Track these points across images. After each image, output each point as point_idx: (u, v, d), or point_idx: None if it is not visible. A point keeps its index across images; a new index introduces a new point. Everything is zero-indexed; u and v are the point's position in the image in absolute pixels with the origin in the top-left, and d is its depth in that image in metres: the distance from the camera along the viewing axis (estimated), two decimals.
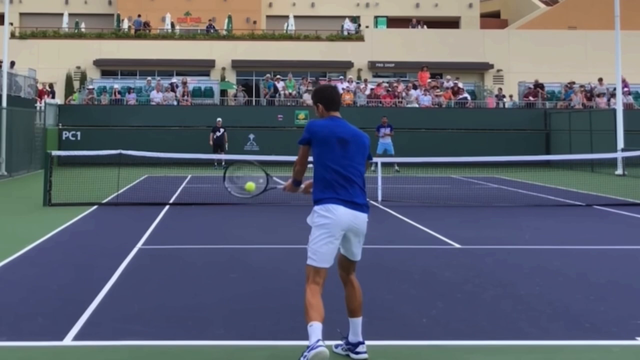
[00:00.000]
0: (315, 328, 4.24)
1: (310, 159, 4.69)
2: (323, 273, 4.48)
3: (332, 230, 4.45)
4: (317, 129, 4.62)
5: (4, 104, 19.77)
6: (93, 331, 5.14)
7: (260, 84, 29.42)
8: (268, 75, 29.44)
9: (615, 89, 27.20)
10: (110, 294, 6.25)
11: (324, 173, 4.57)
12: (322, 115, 4.70)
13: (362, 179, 4.61)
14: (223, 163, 24.01)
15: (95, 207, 12.60)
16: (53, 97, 28.36)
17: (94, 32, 35.59)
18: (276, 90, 27.86)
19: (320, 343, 4.17)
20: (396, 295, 6.27)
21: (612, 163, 21.41)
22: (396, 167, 22.32)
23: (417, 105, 27.30)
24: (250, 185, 5.62)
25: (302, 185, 4.89)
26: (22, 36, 34.28)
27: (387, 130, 22.93)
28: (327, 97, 4.70)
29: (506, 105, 29.18)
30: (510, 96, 30.00)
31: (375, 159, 15.26)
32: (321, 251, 4.46)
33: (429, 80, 29.41)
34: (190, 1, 37.54)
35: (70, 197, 13.27)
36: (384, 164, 15.83)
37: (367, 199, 4.69)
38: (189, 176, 19.96)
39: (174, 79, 29.28)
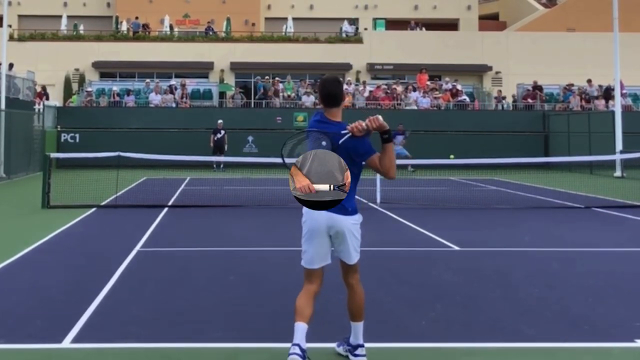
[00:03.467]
0: (297, 329, 4.25)
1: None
2: (315, 273, 4.48)
3: (312, 230, 4.44)
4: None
5: (3, 106, 19.75)
6: (91, 334, 5.14)
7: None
8: (267, 77, 29.41)
9: (605, 89, 27.36)
10: (109, 297, 6.25)
11: None
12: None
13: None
14: (222, 165, 24.05)
15: (94, 209, 12.59)
16: (47, 100, 28.32)
17: (93, 34, 35.57)
18: (266, 92, 27.80)
19: (295, 350, 4.16)
20: (395, 297, 6.27)
21: (611, 165, 21.42)
22: (410, 168, 22.35)
23: (415, 108, 27.32)
24: None
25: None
26: (21, 38, 34.23)
27: (402, 139, 22.78)
28: (321, 94, 4.63)
29: (503, 108, 29.20)
30: (504, 98, 30.00)
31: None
32: (307, 251, 4.47)
33: (428, 82, 29.44)
34: (189, 3, 37.51)
35: (69, 199, 13.27)
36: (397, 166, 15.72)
37: (349, 202, 4.38)
38: (188, 178, 19.95)
39: (173, 81, 29.30)
